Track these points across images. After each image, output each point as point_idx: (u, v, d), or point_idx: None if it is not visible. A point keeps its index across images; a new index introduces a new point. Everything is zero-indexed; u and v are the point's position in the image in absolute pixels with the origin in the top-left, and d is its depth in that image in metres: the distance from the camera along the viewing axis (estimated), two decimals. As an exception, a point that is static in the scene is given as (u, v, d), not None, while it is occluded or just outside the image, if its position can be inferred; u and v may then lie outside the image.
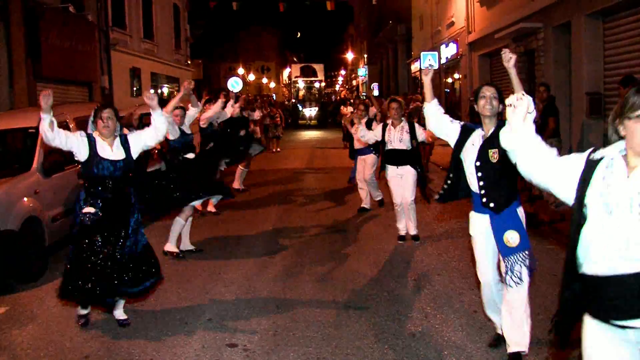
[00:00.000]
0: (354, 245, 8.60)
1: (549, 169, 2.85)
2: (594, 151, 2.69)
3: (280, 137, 23.78)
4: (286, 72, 65.14)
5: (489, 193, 4.51)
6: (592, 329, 2.64)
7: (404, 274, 7.13)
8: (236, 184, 13.11)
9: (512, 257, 4.45)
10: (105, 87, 19.56)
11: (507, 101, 3.03)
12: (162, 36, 26.36)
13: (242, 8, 30.67)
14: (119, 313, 5.77)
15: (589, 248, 2.57)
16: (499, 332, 4.88)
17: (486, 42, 19.07)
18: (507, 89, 14.63)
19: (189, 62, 31.59)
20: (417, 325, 5.53)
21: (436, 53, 26.08)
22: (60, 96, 16.42)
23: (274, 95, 60.09)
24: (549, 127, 10.19)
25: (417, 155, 8.47)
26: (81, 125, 9.04)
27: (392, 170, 8.42)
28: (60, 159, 8.14)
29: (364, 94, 51.34)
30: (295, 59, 72.30)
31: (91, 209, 5.41)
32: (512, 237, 4.46)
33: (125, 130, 7.26)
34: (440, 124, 4.93)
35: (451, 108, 25.32)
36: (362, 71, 60.17)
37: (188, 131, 8.32)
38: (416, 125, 8.46)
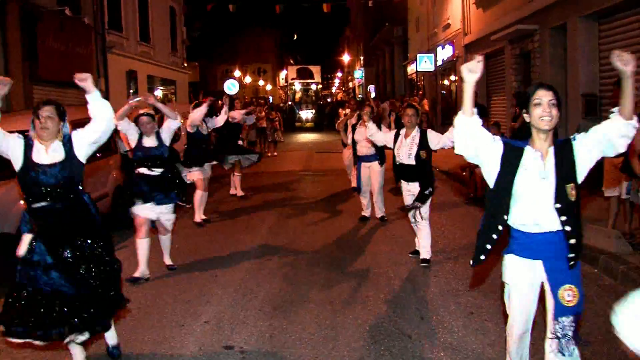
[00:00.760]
0: (350, 248, 8.60)
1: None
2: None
3: (277, 142, 23.42)
4: (283, 75, 65.13)
5: (574, 235, 3.53)
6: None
7: (400, 276, 7.13)
8: (238, 192, 12.99)
9: (566, 319, 3.61)
10: (102, 89, 19.53)
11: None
12: (158, 39, 26.36)
13: (238, 10, 30.64)
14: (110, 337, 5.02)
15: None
16: None
17: (482, 44, 19.10)
18: (502, 91, 14.66)
19: (186, 64, 31.59)
20: (414, 327, 5.54)
21: (432, 55, 26.13)
22: (57, 99, 16.40)
23: (270, 97, 60.11)
24: None
25: (425, 170, 7.43)
26: (77, 128, 9.05)
27: (404, 185, 7.71)
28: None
29: (360, 95, 51.37)
30: (292, 61, 72.31)
31: (28, 238, 4.56)
32: (570, 294, 3.58)
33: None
34: (477, 144, 3.65)
35: (447, 110, 25.39)
36: (359, 73, 60.22)
37: (154, 142, 7.30)
38: (430, 132, 7.49)
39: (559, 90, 12.04)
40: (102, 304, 4.58)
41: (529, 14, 14.27)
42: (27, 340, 4.42)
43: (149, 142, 7.27)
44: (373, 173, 10.09)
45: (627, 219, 7.95)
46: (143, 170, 7.19)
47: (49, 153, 4.53)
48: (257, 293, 6.66)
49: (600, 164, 3.97)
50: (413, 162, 7.36)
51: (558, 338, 3.63)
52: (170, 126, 7.44)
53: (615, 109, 3.36)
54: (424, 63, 26.51)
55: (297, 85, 42.75)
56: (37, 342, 4.45)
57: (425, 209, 7.47)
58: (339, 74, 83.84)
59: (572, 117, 12.16)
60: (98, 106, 4.73)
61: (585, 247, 7.51)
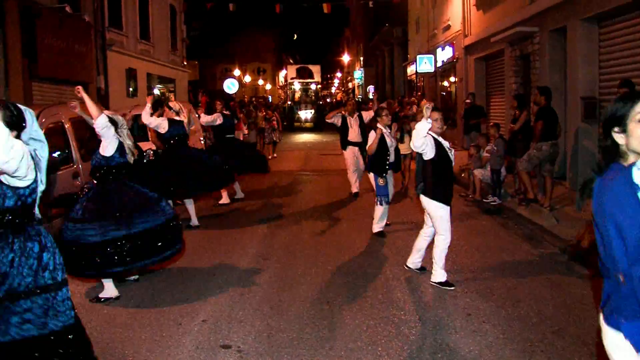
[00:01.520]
0: (348, 248, 8.60)
1: None
2: None
3: (277, 143, 22.65)
4: (282, 74, 65.08)
5: None
6: None
7: (398, 277, 7.13)
8: (224, 198, 12.13)
9: None
10: (101, 87, 19.53)
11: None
12: (158, 37, 26.33)
13: (238, 9, 30.60)
14: None
15: None
16: None
17: (482, 45, 19.09)
18: (501, 93, 14.66)
19: (185, 63, 31.55)
20: (412, 328, 5.54)
21: (432, 56, 26.12)
22: (56, 96, 16.41)
23: (269, 97, 60.09)
24: (537, 131, 10.24)
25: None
26: (76, 126, 9.06)
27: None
28: (55, 159, 8.15)
29: (360, 96, 51.36)
30: (291, 61, 72.26)
31: None
32: None
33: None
34: None
35: (446, 111, 25.40)
36: (358, 74, 60.27)
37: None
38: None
39: (558, 93, 11.99)
40: None
41: (529, 16, 14.26)
42: None
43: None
44: (389, 180, 9.48)
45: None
46: None
47: None
48: (254, 292, 6.65)
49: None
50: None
51: None
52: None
53: None
54: (424, 64, 26.49)
55: (297, 85, 42.52)
56: None
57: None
58: (339, 74, 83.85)
59: (571, 121, 12.16)
60: None
61: (583, 250, 7.54)
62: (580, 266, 7.39)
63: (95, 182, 6.70)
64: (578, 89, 11.97)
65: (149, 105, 9.49)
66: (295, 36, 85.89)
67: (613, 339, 2.61)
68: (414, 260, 7.35)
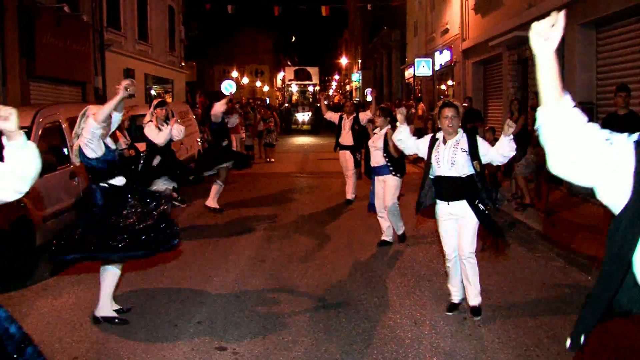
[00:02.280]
0: (345, 251, 8.60)
1: None
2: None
3: (274, 145, 21.80)
4: (280, 76, 65.10)
5: None
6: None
7: (394, 281, 7.13)
8: (211, 203, 11.38)
9: None
10: (99, 87, 19.51)
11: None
12: (156, 37, 26.32)
13: (237, 11, 30.62)
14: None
15: None
16: None
17: (480, 49, 19.14)
18: (499, 97, 14.68)
19: (183, 63, 31.53)
20: (407, 332, 5.54)
21: (430, 60, 26.17)
22: (53, 96, 16.39)
23: (267, 99, 60.10)
24: (535, 136, 10.26)
25: (478, 186, 5.76)
26: (74, 125, 9.02)
27: (442, 208, 5.90)
28: (51, 158, 8.12)
29: (357, 98, 51.31)
30: (289, 63, 72.33)
31: None
32: None
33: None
34: (587, 152, 2.16)
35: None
36: (356, 76, 60.34)
37: (113, 146, 6.10)
38: (480, 140, 5.85)
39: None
40: None
41: (527, 20, 14.29)
42: None
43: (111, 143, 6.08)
44: (387, 188, 8.56)
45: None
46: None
47: None
48: (250, 295, 6.65)
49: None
50: (457, 174, 5.70)
51: None
52: (115, 120, 6.04)
53: None
54: (422, 67, 26.54)
55: (294, 87, 42.41)
56: None
57: (471, 239, 5.82)
58: (337, 77, 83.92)
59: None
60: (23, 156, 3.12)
61: (579, 255, 7.55)
62: (576, 271, 7.39)
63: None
64: (575, 94, 11.98)
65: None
66: (294, 38, 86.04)
67: None
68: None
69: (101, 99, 18.59)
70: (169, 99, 26.73)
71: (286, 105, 42.00)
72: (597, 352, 2.16)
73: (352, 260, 8.07)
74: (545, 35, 2.36)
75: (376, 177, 8.78)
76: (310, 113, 39.46)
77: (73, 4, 17.57)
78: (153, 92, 26.24)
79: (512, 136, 5.56)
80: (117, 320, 5.77)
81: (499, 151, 5.65)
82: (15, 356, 3.12)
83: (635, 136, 2.16)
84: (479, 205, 5.71)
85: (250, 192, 13.85)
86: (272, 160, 20.98)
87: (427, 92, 28.30)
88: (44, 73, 15.66)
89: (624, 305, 2.10)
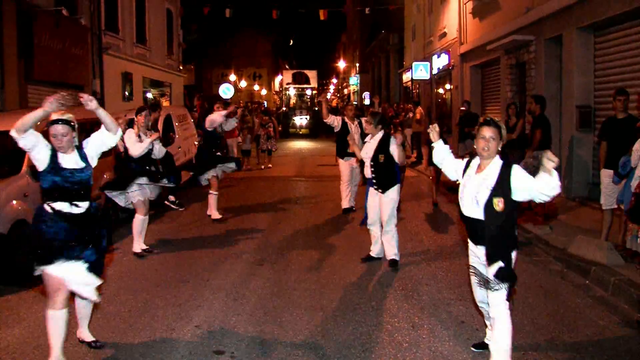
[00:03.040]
0: (342, 254, 8.60)
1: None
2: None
3: (272, 152, 20.85)
4: (278, 80, 65.10)
5: None
6: None
7: (392, 284, 7.13)
8: (213, 214, 11.12)
9: None
10: (97, 91, 19.49)
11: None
12: (154, 41, 26.30)
13: (235, 14, 30.62)
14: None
15: None
16: None
17: (478, 53, 19.16)
18: (496, 100, 14.68)
19: (181, 67, 31.53)
20: (405, 335, 5.54)
21: (428, 63, 26.18)
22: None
23: (265, 102, 60.06)
24: (535, 139, 10.26)
25: (500, 232, 4.59)
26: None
27: (471, 247, 5.00)
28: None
29: (355, 102, 51.30)
30: (287, 66, 72.25)
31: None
32: None
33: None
34: None
35: (441, 118, 25.43)
36: (354, 80, 60.33)
37: (72, 164, 5.11)
38: (519, 173, 4.70)
39: (553, 101, 12.01)
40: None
41: (525, 24, 14.32)
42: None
43: (68, 161, 5.08)
44: (383, 203, 7.89)
45: (622, 230, 7.92)
46: (60, 205, 4.99)
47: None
48: (248, 298, 6.64)
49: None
50: (480, 215, 4.66)
51: None
52: (104, 141, 5.31)
53: None
54: (420, 71, 26.55)
55: (292, 91, 42.30)
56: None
57: (500, 292, 4.57)
58: (334, 80, 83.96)
59: (566, 129, 12.19)
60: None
61: (577, 259, 7.55)
62: (574, 275, 7.40)
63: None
64: (573, 97, 12.02)
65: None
66: (292, 42, 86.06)
67: None
68: None
69: (99, 103, 18.55)
70: (166, 103, 26.69)
71: (284, 109, 41.90)
72: None
73: (350, 264, 8.06)
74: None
75: (371, 189, 8.01)
76: (308, 117, 39.36)
77: (71, 7, 17.56)
78: (149, 96, 26.18)
79: (555, 173, 4.49)
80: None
81: (540, 190, 4.54)
82: None
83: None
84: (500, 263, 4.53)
85: (249, 196, 13.85)
86: (270, 166, 20.26)
87: (425, 96, 28.31)
88: (42, 76, 15.64)
89: None
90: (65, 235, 4.88)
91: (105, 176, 9.86)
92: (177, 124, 13.88)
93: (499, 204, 4.53)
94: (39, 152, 4.97)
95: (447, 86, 24.62)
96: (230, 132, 19.39)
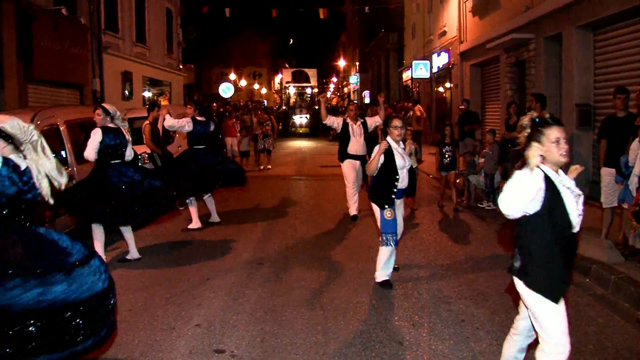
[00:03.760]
0: (342, 253, 8.60)
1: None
2: None
3: (271, 151, 20.02)
4: (278, 79, 65.12)
5: None
6: None
7: (392, 283, 7.12)
8: (214, 217, 10.76)
9: None
10: (97, 90, 19.50)
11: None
12: (154, 40, 26.31)
13: (235, 13, 30.61)
14: None
15: None
16: None
17: (478, 52, 19.17)
18: (496, 99, 14.68)
19: (181, 66, 31.52)
20: (405, 334, 5.54)
21: (428, 62, 26.19)
22: (51, 99, 16.38)
23: (265, 101, 60.09)
24: None
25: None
26: (71, 128, 9.04)
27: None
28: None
29: (355, 100, 51.29)
30: (286, 65, 72.28)
31: None
32: None
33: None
34: None
35: (441, 117, 25.46)
36: (354, 79, 60.32)
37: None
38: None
39: (553, 99, 12.01)
40: None
41: (524, 23, 14.33)
42: None
43: None
44: (400, 213, 7.06)
45: (622, 228, 7.92)
46: None
47: None
48: (248, 297, 6.64)
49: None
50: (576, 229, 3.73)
51: None
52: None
53: None
54: (419, 70, 26.57)
55: (292, 89, 42.15)
56: None
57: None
58: (334, 79, 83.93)
59: (566, 127, 12.15)
60: None
61: (577, 257, 7.54)
62: (575, 273, 7.39)
63: None
64: (573, 95, 12.03)
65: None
66: (291, 41, 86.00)
67: None
68: None
69: (99, 102, 18.58)
70: (165, 102, 26.61)
71: (284, 107, 41.78)
72: None
73: (350, 262, 8.06)
74: None
75: (397, 201, 6.89)
76: (308, 116, 39.21)
77: (71, 7, 17.56)
78: (147, 94, 26.00)
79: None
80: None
81: None
82: None
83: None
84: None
85: (248, 195, 13.84)
86: (269, 167, 19.51)
87: (425, 95, 28.32)
88: (42, 76, 15.65)
89: None
90: None
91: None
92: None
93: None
94: None
95: (447, 85, 24.62)
96: (228, 131, 19.43)
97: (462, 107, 16.80)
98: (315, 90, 41.63)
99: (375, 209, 6.93)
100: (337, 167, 12.27)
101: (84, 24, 18.61)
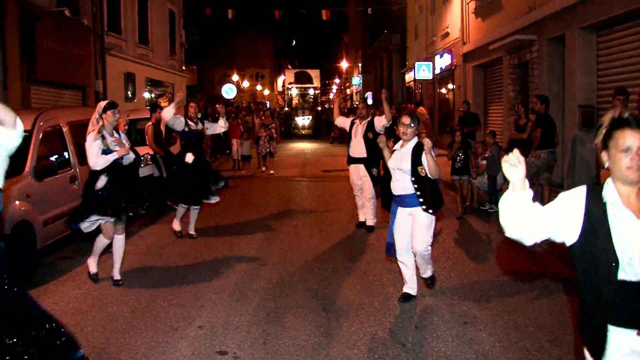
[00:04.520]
0: (345, 255, 8.59)
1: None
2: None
3: (274, 154, 19.13)
4: (280, 80, 65.09)
5: None
6: None
7: (394, 285, 7.12)
8: (191, 229, 9.83)
9: None
10: (100, 91, 19.50)
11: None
12: (157, 41, 26.34)
13: (237, 15, 30.63)
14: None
15: None
16: None
17: (480, 53, 19.15)
18: (499, 100, 14.62)
19: (184, 67, 31.54)
20: (407, 336, 5.53)
21: (430, 63, 26.17)
22: (54, 100, 16.39)
23: (267, 102, 60.06)
24: (535, 139, 10.26)
25: None
26: (74, 129, 9.04)
27: (632, 346, 2.74)
28: (52, 162, 8.13)
29: (357, 102, 51.18)
30: (289, 67, 72.27)
31: None
32: None
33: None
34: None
35: (444, 119, 25.44)
36: (357, 80, 60.30)
37: None
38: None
39: (555, 101, 11.98)
40: None
41: (527, 24, 14.32)
42: None
43: None
44: (417, 227, 6.29)
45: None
46: None
47: None
48: (251, 298, 6.64)
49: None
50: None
51: None
52: None
53: None
54: (422, 71, 26.53)
55: (294, 90, 42.05)
56: None
57: None
58: (337, 80, 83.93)
59: (569, 129, 12.19)
60: None
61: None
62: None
63: None
64: (576, 97, 12.02)
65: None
66: (294, 42, 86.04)
67: None
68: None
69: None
70: (165, 103, 26.52)
71: (286, 109, 41.70)
72: None
73: (353, 264, 8.06)
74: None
75: (400, 209, 6.38)
76: (310, 117, 39.12)
77: (74, 8, 17.58)
78: (147, 95, 25.87)
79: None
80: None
81: None
82: None
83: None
84: None
85: (251, 195, 13.84)
86: (272, 172, 18.52)
87: (428, 96, 28.30)
88: (45, 77, 15.66)
89: None
90: None
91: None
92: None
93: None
94: None
95: (450, 86, 24.60)
96: (233, 132, 19.33)
97: (462, 109, 16.77)
98: (318, 91, 41.49)
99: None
100: (340, 171, 12.13)
101: (86, 25, 18.63)
